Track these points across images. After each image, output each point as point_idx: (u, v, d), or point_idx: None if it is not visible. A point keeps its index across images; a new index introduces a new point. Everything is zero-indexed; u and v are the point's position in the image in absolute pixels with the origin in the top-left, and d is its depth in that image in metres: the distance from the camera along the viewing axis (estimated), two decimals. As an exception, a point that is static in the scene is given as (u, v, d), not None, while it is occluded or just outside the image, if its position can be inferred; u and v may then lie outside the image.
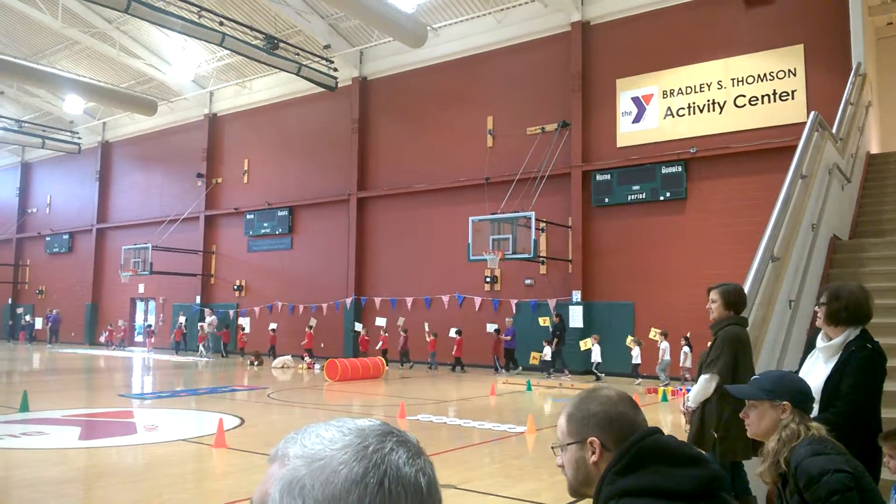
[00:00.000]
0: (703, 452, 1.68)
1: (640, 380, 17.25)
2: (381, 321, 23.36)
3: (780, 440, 2.61)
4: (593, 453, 1.69)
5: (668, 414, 12.29)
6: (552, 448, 1.82)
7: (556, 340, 19.15)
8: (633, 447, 1.62)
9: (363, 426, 0.88)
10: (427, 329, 21.85)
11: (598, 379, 17.75)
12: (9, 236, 38.96)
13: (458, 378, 18.92)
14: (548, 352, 19.19)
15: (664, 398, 14.21)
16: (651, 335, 17.63)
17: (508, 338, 20.25)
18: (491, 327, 20.65)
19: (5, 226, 39.36)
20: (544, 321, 20.18)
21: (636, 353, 17.58)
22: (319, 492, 0.79)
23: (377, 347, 22.37)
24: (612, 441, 1.68)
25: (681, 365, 16.80)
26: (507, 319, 20.68)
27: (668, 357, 16.79)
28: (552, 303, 20.29)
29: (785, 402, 2.69)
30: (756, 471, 2.70)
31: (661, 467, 1.57)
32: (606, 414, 1.71)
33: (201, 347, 26.75)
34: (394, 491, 0.81)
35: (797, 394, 2.73)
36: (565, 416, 1.78)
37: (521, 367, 20.08)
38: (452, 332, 20.95)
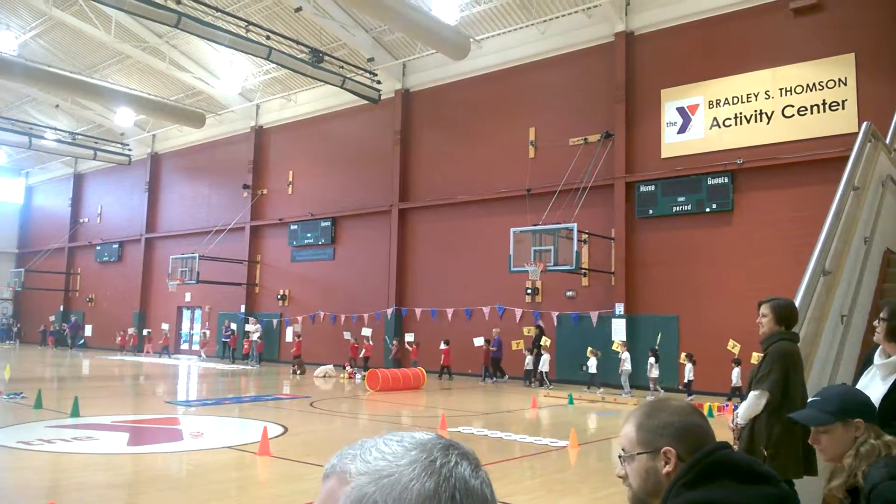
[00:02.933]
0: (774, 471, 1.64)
1: (601, 388, 18.16)
2: (366, 331, 24.24)
3: (857, 456, 2.49)
4: (667, 463, 1.66)
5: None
6: (619, 457, 1.78)
7: (536, 350, 19.92)
8: (702, 460, 1.58)
9: (424, 440, 0.87)
10: (411, 340, 23.07)
11: (541, 385, 19.13)
12: (61, 245, 40.11)
13: (494, 389, 18.84)
14: (528, 361, 20.07)
15: (710, 413, 13.94)
16: (615, 347, 18.21)
17: (495, 348, 20.95)
18: (478, 341, 21.22)
19: (58, 235, 40.54)
20: (528, 331, 20.71)
21: (593, 363, 18.47)
22: None
23: (361, 356, 23.62)
24: (687, 452, 1.64)
25: (648, 375, 17.48)
26: (493, 330, 21.31)
27: (628, 366, 17.69)
28: (594, 315, 20.11)
29: (857, 420, 2.56)
30: (826, 487, 2.57)
31: (730, 483, 1.54)
32: (683, 424, 1.68)
33: (203, 353, 29.60)
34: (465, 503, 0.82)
35: (864, 407, 2.61)
36: (634, 426, 1.73)
37: (507, 377, 20.80)
38: (442, 345, 21.84)
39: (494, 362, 20.94)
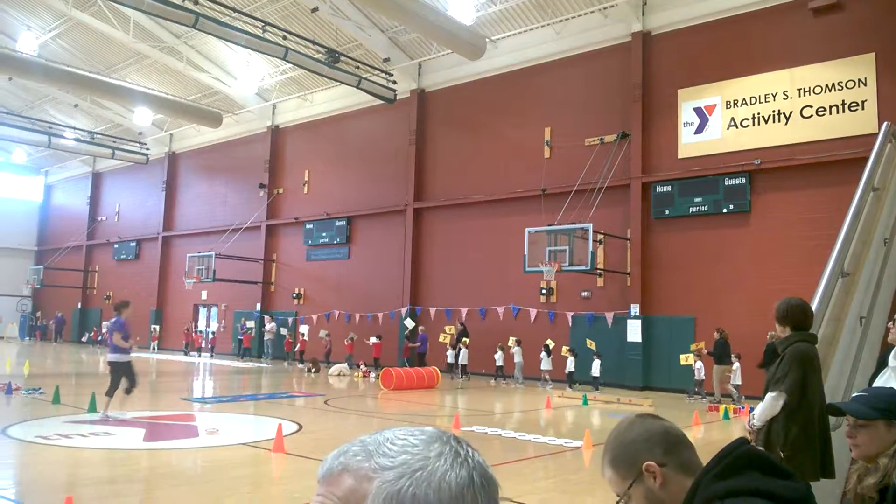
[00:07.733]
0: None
1: (505, 381, 20.16)
2: (303, 329, 26.11)
3: (893, 457, 2.44)
4: (654, 478, 1.65)
5: (732, 431, 11.97)
6: (618, 502, 1.73)
7: (457, 346, 21.44)
8: (731, 452, 1.58)
9: (434, 432, 0.89)
10: (352, 336, 24.39)
11: (462, 376, 21.03)
12: (79, 243, 40.50)
13: (511, 390, 18.82)
14: (451, 355, 21.64)
15: (726, 416, 13.85)
16: (509, 343, 20.08)
17: (419, 344, 22.26)
18: (409, 323, 23.18)
19: (76, 233, 40.94)
20: (450, 328, 22.02)
21: (499, 356, 20.39)
22: (435, 499, 0.81)
23: (296, 349, 25.59)
24: (661, 452, 1.64)
25: (541, 368, 19.48)
26: (419, 328, 22.84)
27: (519, 359, 19.77)
28: (609, 316, 20.03)
29: None
30: (858, 486, 2.53)
31: (758, 475, 1.54)
32: (641, 434, 1.68)
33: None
34: (489, 488, 0.86)
35: None
36: (610, 465, 1.71)
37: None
38: (373, 339, 23.56)
39: (420, 357, 22.00)
